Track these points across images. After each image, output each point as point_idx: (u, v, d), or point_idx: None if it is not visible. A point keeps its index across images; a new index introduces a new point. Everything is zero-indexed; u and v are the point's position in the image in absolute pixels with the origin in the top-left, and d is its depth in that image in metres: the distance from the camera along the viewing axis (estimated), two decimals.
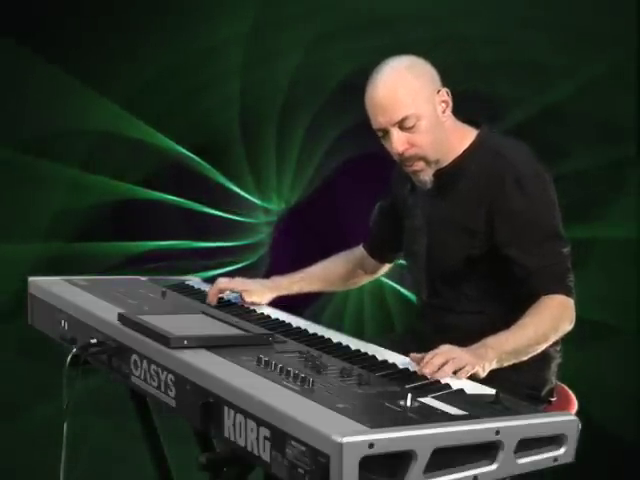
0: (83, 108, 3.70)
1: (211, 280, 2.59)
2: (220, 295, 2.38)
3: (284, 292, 2.51)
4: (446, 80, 2.23)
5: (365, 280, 2.68)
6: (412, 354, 1.89)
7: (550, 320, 2.07)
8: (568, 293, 2.11)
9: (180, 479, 2.52)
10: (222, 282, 2.39)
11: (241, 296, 2.41)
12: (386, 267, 2.66)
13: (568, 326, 2.12)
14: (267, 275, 2.66)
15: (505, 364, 1.99)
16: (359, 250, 2.63)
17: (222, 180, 4.03)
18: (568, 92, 3.60)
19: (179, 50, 3.75)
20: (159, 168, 3.87)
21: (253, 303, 2.39)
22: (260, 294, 2.43)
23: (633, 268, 3.60)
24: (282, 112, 3.98)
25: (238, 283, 2.42)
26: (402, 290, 4.16)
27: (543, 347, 2.09)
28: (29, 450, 3.37)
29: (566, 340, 2.25)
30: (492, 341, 1.97)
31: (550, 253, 2.13)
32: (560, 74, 3.61)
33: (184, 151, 3.90)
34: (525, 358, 2.06)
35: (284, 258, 4.01)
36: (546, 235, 2.13)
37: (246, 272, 3.68)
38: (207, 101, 3.90)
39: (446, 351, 1.85)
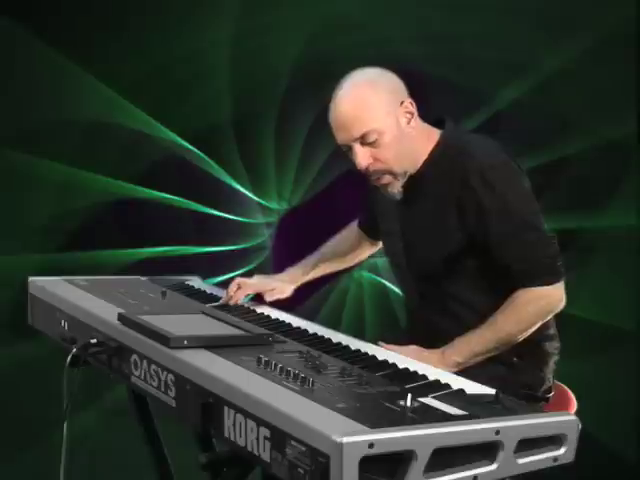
0: (75, 95, 3.54)
1: (219, 285, 2.60)
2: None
3: (301, 281, 2.56)
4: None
5: (371, 250, 2.71)
6: (381, 342, 2.07)
7: (515, 321, 2.12)
8: (548, 281, 2.12)
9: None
10: (245, 287, 2.41)
11: (263, 296, 2.44)
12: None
13: (545, 316, 2.16)
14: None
15: (470, 363, 2.11)
16: (355, 226, 2.67)
17: (220, 177, 3.97)
18: (557, 70, 3.55)
19: (181, 41, 3.65)
20: (155, 165, 3.76)
21: (278, 300, 2.44)
22: (281, 290, 2.48)
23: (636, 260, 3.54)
24: (283, 109, 3.94)
25: (260, 284, 2.45)
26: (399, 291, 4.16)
27: (512, 344, 2.14)
28: None
29: (566, 344, 2.25)
30: (458, 344, 2.11)
31: (525, 243, 2.13)
32: (548, 50, 3.56)
33: (183, 142, 3.81)
34: (492, 354, 2.14)
35: (287, 259, 3.98)
36: (517, 225, 2.13)
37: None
38: (203, 95, 3.85)
39: (414, 351, 2.07)
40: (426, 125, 2.25)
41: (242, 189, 4.06)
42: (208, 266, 3.78)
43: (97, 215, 3.66)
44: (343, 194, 4.15)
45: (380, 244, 2.67)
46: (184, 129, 3.81)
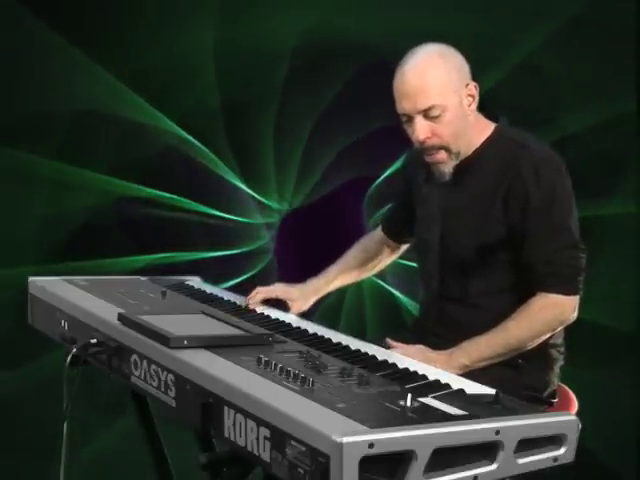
0: (67, 83, 3.42)
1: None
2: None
3: (323, 292, 2.54)
4: None
5: (391, 259, 2.70)
6: (388, 339, 2.08)
7: (527, 327, 2.13)
8: (566, 291, 2.14)
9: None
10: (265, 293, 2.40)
11: (286, 305, 2.43)
12: (406, 246, 2.67)
13: (556, 326, 2.18)
14: (279, 279, 2.66)
15: (477, 366, 2.10)
16: (378, 232, 2.66)
17: (222, 175, 3.94)
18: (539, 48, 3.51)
19: (182, 39, 3.63)
20: (152, 163, 3.72)
21: (278, 300, 2.42)
22: (299, 306, 2.44)
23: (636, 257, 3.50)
24: (284, 108, 3.92)
25: (280, 291, 2.43)
26: (396, 292, 4.15)
27: (520, 351, 2.15)
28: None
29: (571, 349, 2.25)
30: (467, 346, 2.11)
31: (557, 245, 2.14)
32: (541, 39, 3.53)
33: (184, 134, 3.79)
34: (499, 360, 2.14)
35: (290, 262, 3.96)
36: (555, 225, 2.15)
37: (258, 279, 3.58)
38: (201, 90, 3.82)
39: (420, 350, 2.07)
40: (481, 115, 2.27)
41: (242, 186, 4.03)
42: (211, 270, 3.73)
43: (97, 215, 3.63)
44: (344, 195, 4.15)
45: (399, 251, 2.68)
46: (185, 126, 3.78)
